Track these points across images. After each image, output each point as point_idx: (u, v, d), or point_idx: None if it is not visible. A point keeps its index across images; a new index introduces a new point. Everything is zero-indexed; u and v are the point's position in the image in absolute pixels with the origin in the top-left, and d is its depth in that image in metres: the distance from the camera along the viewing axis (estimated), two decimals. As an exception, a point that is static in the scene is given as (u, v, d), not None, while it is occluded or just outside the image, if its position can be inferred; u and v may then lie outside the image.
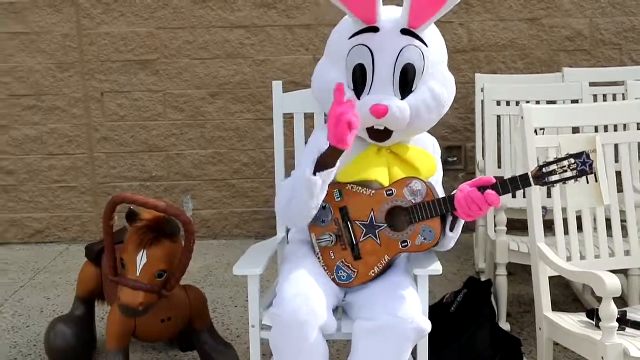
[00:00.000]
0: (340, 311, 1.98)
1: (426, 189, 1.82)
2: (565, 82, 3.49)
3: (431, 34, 1.90)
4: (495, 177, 1.79)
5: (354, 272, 1.85)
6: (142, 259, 2.07)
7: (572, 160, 1.70)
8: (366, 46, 1.83)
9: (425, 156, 1.95)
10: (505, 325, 2.67)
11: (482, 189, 1.75)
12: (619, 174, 2.23)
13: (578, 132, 2.78)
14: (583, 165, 1.69)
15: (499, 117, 3.24)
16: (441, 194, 1.92)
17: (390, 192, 1.85)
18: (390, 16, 1.85)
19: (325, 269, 1.89)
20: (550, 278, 2.12)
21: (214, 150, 4.09)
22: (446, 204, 1.79)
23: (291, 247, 2.06)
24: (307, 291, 1.74)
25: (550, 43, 4.01)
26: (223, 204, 4.16)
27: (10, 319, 3.05)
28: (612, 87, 3.48)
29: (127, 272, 2.08)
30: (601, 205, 2.18)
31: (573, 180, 1.71)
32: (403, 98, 1.85)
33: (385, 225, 1.85)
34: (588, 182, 2.20)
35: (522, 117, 2.18)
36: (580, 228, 2.18)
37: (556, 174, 1.71)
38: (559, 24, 3.99)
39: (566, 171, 1.70)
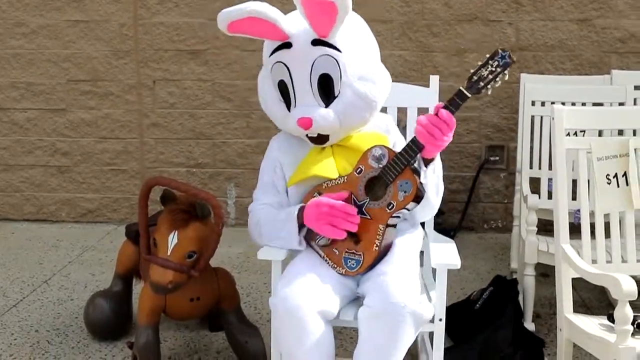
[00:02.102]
0: (360, 301, 2.03)
1: (387, 151, 1.89)
2: (613, 85, 3.42)
3: (347, 34, 1.92)
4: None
5: (360, 255, 1.91)
6: (173, 239, 2.17)
7: (492, 61, 1.81)
8: (282, 63, 1.91)
9: (372, 136, 1.99)
10: (530, 325, 2.66)
11: None
12: None
13: (622, 134, 2.75)
14: (503, 59, 1.81)
15: (541, 117, 3.21)
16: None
17: (359, 169, 1.93)
18: (301, 27, 1.90)
19: (335, 266, 1.95)
20: (586, 282, 2.11)
21: (259, 140, 4.19)
22: (408, 147, 1.84)
23: None
24: (301, 279, 1.82)
25: (601, 44, 3.93)
26: (265, 193, 4.24)
27: (57, 291, 3.22)
28: (661, 90, 3.40)
29: (159, 251, 2.18)
30: (631, 209, 2.16)
31: (501, 76, 1.82)
32: (328, 104, 1.92)
33: (368, 199, 1.91)
34: (619, 186, 2.18)
35: (553, 118, 2.18)
36: (608, 231, 2.17)
37: (485, 78, 1.82)
38: (611, 24, 3.91)
39: (492, 72, 1.81)
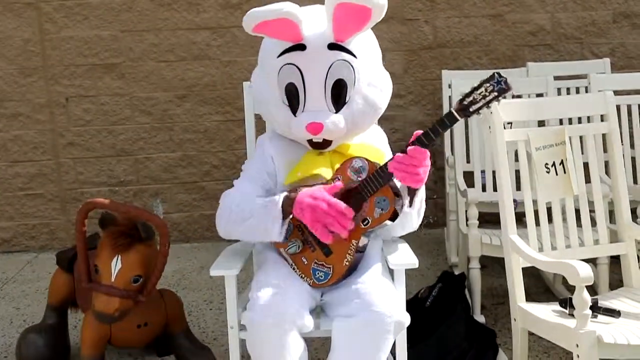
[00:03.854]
0: (318, 310, 1.99)
1: (367, 164, 1.84)
2: (530, 76, 3.54)
3: (358, 39, 1.88)
4: (425, 131, 1.77)
5: (329, 268, 1.86)
6: (116, 264, 2.05)
7: (487, 85, 1.72)
8: (295, 65, 1.83)
9: (369, 148, 1.97)
10: (479, 318, 2.70)
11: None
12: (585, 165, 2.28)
13: (544, 124, 2.84)
14: (499, 85, 1.71)
15: (466, 112, 3.27)
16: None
17: (336, 179, 1.88)
18: (315, 30, 1.83)
19: (302, 276, 1.89)
20: (522, 269, 2.16)
21: (183, 152, 4.06)
22: (386, 167, 1.79)
23: (261, 254, 2.06)
24: (279, 293, 1.75)
25: (514, 38, 4.07)
26: (194, 206, 4.13)
27: (-21, 330, 2.99)
28: (575, 80, 3.55)
29: (102, 278, 2.06)
30: (570, 195, 2.22)
31: (496, 102, 1.73)
32: (338, 110, 1.87)
33: None
34: (557, 174, 2.24)
35: (491, 112, 2.21)
36: (550, 219, 2.22)
37: (477, 102, 1.73)
38: (521, 19, 4.06)
39: (486, 96, 1.73)
